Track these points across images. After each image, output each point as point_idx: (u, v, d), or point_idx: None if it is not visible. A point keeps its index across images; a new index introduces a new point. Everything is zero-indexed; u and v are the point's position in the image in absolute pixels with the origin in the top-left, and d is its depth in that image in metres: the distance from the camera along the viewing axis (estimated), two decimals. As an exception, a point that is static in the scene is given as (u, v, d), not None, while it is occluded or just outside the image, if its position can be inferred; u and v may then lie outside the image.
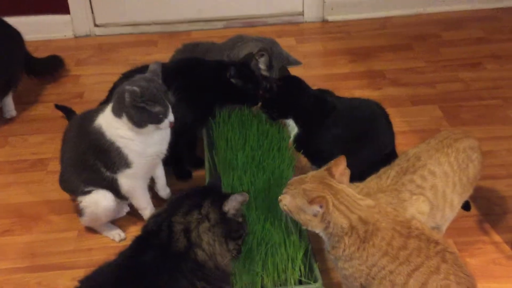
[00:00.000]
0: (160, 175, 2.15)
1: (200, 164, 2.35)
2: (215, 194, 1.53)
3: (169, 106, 1.85)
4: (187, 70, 2.22)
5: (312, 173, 1.58)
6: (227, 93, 2.19)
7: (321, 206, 1.48)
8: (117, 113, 1.86)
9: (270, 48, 2.41)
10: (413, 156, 1.78)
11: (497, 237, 2.04)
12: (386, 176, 1.74)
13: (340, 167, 1.55)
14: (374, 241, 1.47)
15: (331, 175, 1.54)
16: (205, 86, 2.19)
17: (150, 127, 1.85)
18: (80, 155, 1.97)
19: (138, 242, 1.48)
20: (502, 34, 3.41)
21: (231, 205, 1.48)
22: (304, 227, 1.57)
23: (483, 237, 2.04)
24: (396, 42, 3.40)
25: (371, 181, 1.75)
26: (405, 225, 1.49)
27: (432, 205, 1.72)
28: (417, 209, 1.69)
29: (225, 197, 1.49)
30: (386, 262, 1.45)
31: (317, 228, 1.53)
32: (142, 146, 1.90)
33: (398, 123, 2.61)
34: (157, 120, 1.84)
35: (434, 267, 1.42)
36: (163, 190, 2.17)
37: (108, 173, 1.94)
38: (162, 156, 2.02)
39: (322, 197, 1.48)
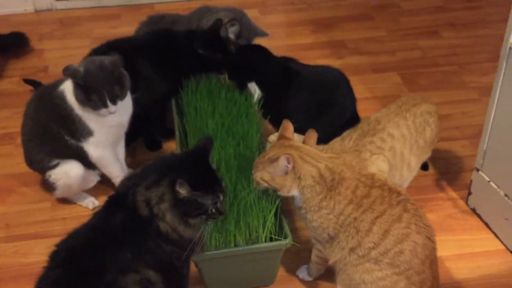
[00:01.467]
0: (120, 151, 2.15)
1: (170, 135, 2.40)
2: (177, 170, 1.48)
3: (108, 99, 1.84)
4: (157, 42, 2.25)
5: (271, 143, 1.67)
6: (197, 62, 2.23)
7: (288, 162, 1.56)
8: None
9: (240, 19, 2.44)
10: (374, 120, 1.89)
11: (453, 194, 2.17)
12: (349, 138, 1.85)
13: (289, 129, 1.64)
14: (340, 189, 1.56)
15: (286, 138, 1.63)
16: (175, 56, 2.22)
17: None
18: (43, 125, 1.98)
19: (110, 203, 1.52)
20: (458, 3, 3.52)
21: (181, 187, 1.43)
22: (281, 194, 1.64)
23: (441, 194, 2.17)
24: (357, 12, 3.49)
25: (335, 143, 1.85)
26: (369, 177, 1.59)
27: (390, 165, 1.83)
28: (377, 167, 1.80)
29: (181, 175, 1.43)
30: (351, 210, 1.54)
31: (293, 187, 1.60)
32: (98, 118, 1.92)
33: (360, 90, 2.70)
34: (93, 105, 1.85)
35: (396, 215, 1.52)
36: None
37: (73, 141, 1.96)
38: (125, 127, 2.04)
39: (287, 153, 1.57)
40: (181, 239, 1.49)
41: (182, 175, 1.43)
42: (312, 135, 1.70)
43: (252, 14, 3.41)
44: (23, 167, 2.15)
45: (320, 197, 1.57)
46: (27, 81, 2.73)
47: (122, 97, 1.89)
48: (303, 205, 1.62)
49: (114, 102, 1.86)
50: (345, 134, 1.89)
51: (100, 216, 1.51)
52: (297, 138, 1.77)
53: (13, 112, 2.66)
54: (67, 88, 1.91)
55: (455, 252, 1.94)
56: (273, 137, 1.90)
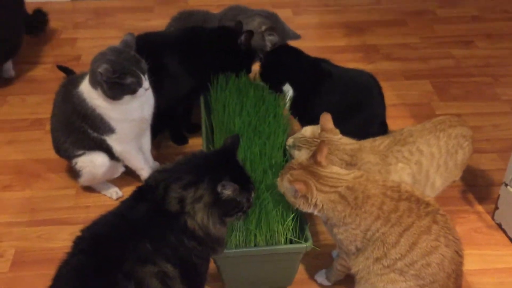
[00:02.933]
0: (145, 144, 2.16)
1: (196, 130, 2.41)
2: (215, 171, 1.51)
3: (142, 75, 1.87)
4: (186, 39, 2.25)
5: (299, 160, 1.66)
6: (225, 60, 2.22)
7: (296, 192, 1.58)
8: (93, 85, 1.90)
9: (276, 26, 2.43)
10: (407, 132, 1.87)
11: (479, 208, 2.14)
12: (380, 141, 1.84)
13: (323, 152, 1.63)
14: (365, 207, 1.54)
15: (317, 162, 1.62)
16: (203, 54, 2.21)
17: (127, 97, 1.89)
18: (68, 117, 2.01)
19: (137, 193, 1.54)
20: (495, 13, 3.47)
21: (225, 190, 1.47)
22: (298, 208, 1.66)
23: (466, 207, 2.14)
24: (391, 17, 3.45)
25: (366, 142, 1.85)
26: (395, 189, 1.57)
27: (414, 179, 1.81)
28: (401, 177, 1.78)
29: (221, 177, 1.47)
30: (379, 225, 1.53)
31: (305, 209, 1.62)
32: (121, 114, 1.94)
33: (390, 96, 2.68)
34: (131, 90, 1.87)
35: (425, 227, 1.50)
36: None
37: (96, 135, 1.99)
38: (147, 121, 2.06)
39: (303, 181, 1.57)
40: (207, 237, 1.50)
41: (222, 176, 1.48)
42: (327, 117, 1.80)
43: (285, 14, 3.42)
44: (51, 153, 2.18)
45: (343, 215, 1.56)
46: (61, 68, 2.75)
47: (146, 71, 1.90)
48: (327, 221, 1.63)
49: (145, 77, 1.89)
50: (378, 137, 1.88)
51: (127, 205, 1.53)
52: (316, 129, 1.84)
53: (45, 98, 2.69)
54: (85, 89, 1.93)
55: (479, 267, 1.91)
56: (291, 140, 1.89)
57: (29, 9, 3.08)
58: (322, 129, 1.84)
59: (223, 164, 1.56)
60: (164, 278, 1.41)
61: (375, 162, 1.79)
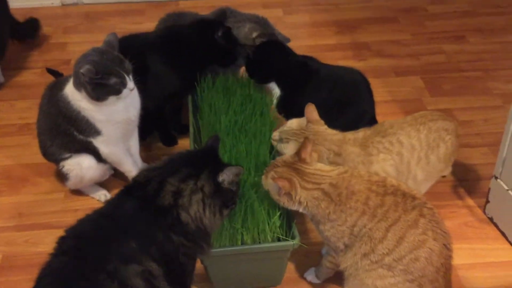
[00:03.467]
0: (133, 146, 2.14)
1: (185, 131, 2.39)
2: (212, 164, 1.55)
3: (126, 75, 1.86)
4: (167, 38, 2.24)
5: (284, 158, 1.65)
6: (210, 53, 2.21)
7: (279, 190, 1.58)
8: (77, 87, 1.88)
9: (267, 32, 2.41)
10: (388, 124, 1.87)
11: (470, 202, 2.12)
12: (362, 133, 1.84)
13: (307, 149, 1.61)
14: (350, 203, 1.53)
15: (301, 159, 1.61)
16: (189, 48, 2.20)
17: (111, 98, 1.87)
18: (54, 120, 2.00)
19: (124, 191, 1.54)
20: (487, 8, 3.45)
21: (226, 177, 1.52)
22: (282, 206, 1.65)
23: (457, 201, 2.12)
24: (382, 14, 3.44)
25: (349, 133, 1.85)
26: (381, 184, 1.55)
27: (398, 171, 1.80)
28: (382, 168, 1.77)
29: (221, 167, 1.53)
30: (366, 221, 1.51)
31: (289, 206, 1.62)
32: (106, 115, 1.93)
33: (381, 93, 2.67)
34: (115, 91, 1.86)
35: (412, 221, 1.48)
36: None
37: (81, 137, 1.98)
38: (134, 122, 2.04)
39: (286, 178, 1.56)
40: (198, 231, 1.50)
41: (222, 166, 1.53)
42: (311, 109, 1.81)
43: (276, 13, 3.42)
44: (39, 158, 2.17)
45: (327, 212, 1.55)
46: (50, 71, 2.73)
47: (131, 71, 1.89)
48: (312, 217, 1.62)
49: (129, 78, 1.87)
50: (360, 129, 1.88)
51: (112, 204, 1.53)
52: (302, 121, 1.84)
53: (33, 103, 2.63)
54: (70, 91, 1.92)
55: (469, 261, 1.89)
56: (277, 134, 1.87)
57: (20, 15, 3.07)
58: (308, 121, 1.83)
59: (214, 159, 1.59)
60: (149, 277, 1.40)
61: (358, 153, 1.78)
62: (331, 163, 1.78)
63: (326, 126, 1.84)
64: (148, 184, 1.50)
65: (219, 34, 2.17)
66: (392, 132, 1.81)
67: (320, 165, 1.62)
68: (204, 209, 1.50)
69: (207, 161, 1.56)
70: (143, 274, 1.38)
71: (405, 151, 1.79)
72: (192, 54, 2.19)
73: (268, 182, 1.62)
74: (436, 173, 1.88)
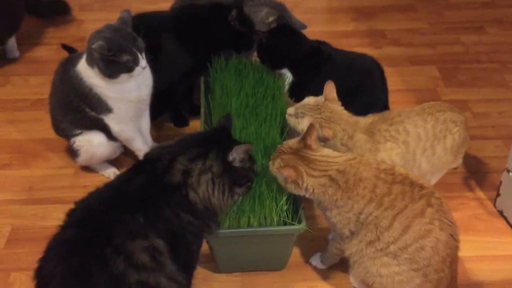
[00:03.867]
0: (144, 125, 2.14)
1: (197, 112, 2.38)
2: (222, 143, 1.56)
3: (138, 53, 1.85)
4: (182, 18, 2.23)
5: (290, 144, 1.63)
6: (225, 36, 2.20)
7: (286, 179, 1.57)
8: (89, 63, 1.88)
9: (283, 16, 2.40)
10: (396, 112, 1.86)
11: (481, 194, 2.10)
12: (371, 119, 1.84)
13: (313, 136, 1.60)
14: (357, 190, 1.52)
15: (306, 146, 1.59)
16: (203, 30, 2.19)
17: (123, 76, 1.87)
18: (66, 97, 2.00)
19: (135, 167, 1.55)
20: (507, 0, 3.38)
21: (236, 155, 1.53)
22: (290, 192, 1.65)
23: (468, 193, 2.10)
24: (400, 2, 3.39)
25: (361, 119, 1.84)
26: (389, 172, 1.54)
27: (404, 159, 1.78)
28: (389, 156, 1.77)
29: (231, 145, 1.53)
30: (372, 208, 1.50)
31: (299, 192, 1.60)
32: (118, 93, 1.92)
33: (395, 81, 2.64)
34: (127, 68, 1.85)
35: (418, 210, 1.47)
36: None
37: (93, 114, 1.97)
38: (145, 101, 2.03)
39: (292, 167, 1.55)
40: (206, 210, 1.51)
41: (231, 145, 1.53)
42: (331, 86, 1.81)
43: (293, -2, 3.39)
44: (51, 133, 2.18)
45: (334, 198, 1.54)
46: (65, 47, 2.73)
47: (143, 49, 1.88)
48: (319, 204, 1.61)
49: (142, 56, 1.87)
50: (369, 115, 1.87)
51: (122, 178, 1.54)
52: (319, 99, 1.83)
53: (48, 79, 2.60)
54: (83, 67, 1.91)
55: (477, 253, 1.87)
56: (292, 109, 1.84)
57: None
58: (326, 98, 1.81)
59: (225, 138, 1.60)
60: (154, 253, 1.40)
61: (366, 140, 1.77)
62: (343, 145, 1.77)
63: (343, 108, 1.83)
64: (158, 161, 1.51)
65: (233, 14, 2.16)
66: (400, 121, 1.80)
67: (327, 151, 1.61)
68: (213, 189, 1.51)
69: (217, 141, 1.57)
70: (149, 250, 1.39)
71: (411, 140, 1.78)
72: (206, 36, 2.18)
73: (275, 171, 1.61)
74: (444, 164, 1.86)
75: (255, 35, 2.21)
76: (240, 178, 1.56)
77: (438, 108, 1.86)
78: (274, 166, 1.61)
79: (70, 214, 1.45)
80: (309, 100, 1.85)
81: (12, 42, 2.84)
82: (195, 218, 1.50)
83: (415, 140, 1.78)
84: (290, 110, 1.84)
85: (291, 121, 1.83)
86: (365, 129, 1.79)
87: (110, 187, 1.52)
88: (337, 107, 1.81)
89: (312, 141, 1.59)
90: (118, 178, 1.57)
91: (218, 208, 1.54)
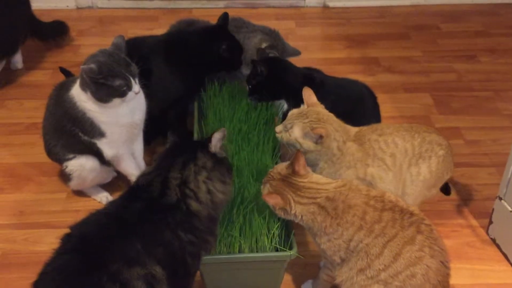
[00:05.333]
0: (137, 150, 2.14)
1: (190, 137, 2.39)
2: (198, 142, 1.62)
3: (131, 78, 1.86)
4: (172, 43, 2.25)
5: (279, 169, 1.62)
6: (213, 62, 2.22)
7: (274, 206, 1.57)
8: (82, 87, 1.89)
9: (277, 44, 2.42)
10: (385, 125, 1.89)
11: (474, 222, 2.09)
12: (359, 129, 1.85)
13: (300, 162, 1.59)
14: (347, 217, 1.51)
15: (295, 172, 1.59)
16: (191, 56, 2.20)
17: (116, 101, 1.88)
18: (59, 121, 2.00)
19: (128, 193, 1.55)
20: (500, 29, 3.44)
21: (216, 143, 1.58)
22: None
23: (460, 221, 2.10)
24: (394, 31, 3.44)
25: (353, 128, 1.85)
26: (379, 199, 1.54)
27: (393, 172, 1.78)
28: (378, 173, 1.78)
29: (207, 139, 1.60)
30: (362, 236, 1.50)
31: (288, 217, 1.60)
32: (111, 117, 1.93)
33: (389, 108, 2.66)
34: (120, 93, 1.86)
35: (408, 237, 1.47)
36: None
37: (86, 138, 1.98)
38: (139, 126, 2.04)
39: (282, 195, 1.55)
40: (207, 218, 1.52)
41: (207, 140, 1.58)
42: (309, 92, 1.82)
43: (288, 25, 3.44)
44: (44, 157, 2.18)
45: (323, 225, 1.54)
46: (63, 71, 2.75)
47: (137, 75, 1.90)
48: (309, 229, 1.60)
49: (135, 81, 1.88)
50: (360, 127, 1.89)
51: (118, 204, 1.54)
52: (301, 108, 1.83)
53: (42, 103, 2.61)
54: (76, 92, 1.92)
55: (469, 281, 1.87)
56: (280, 127, 1.82)
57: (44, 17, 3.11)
58: (308, 104, 1.81)
59: (196, 140, 1.69)
60: (151, 280, 1.39)
61: (357, 148, 1.78)
62: (339, 150, 1.77)
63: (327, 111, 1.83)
64: (151, 186, 1.51)
65: (224, 47, 2.18)
66: (389, 133, 1.81)
67: (316, 177, 1.60)
68: (213, 184, 1.54)
69: (193, 143, 1.65)
70: (146, 278, 1.38)
71: (398, 152, 1.79)
72: (194, 61, 2.20)
73: (264, 191, 1.61)
74: (425, 188, 1.85)
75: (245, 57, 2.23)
76: (226, 168, 1.60)
77: (425, 129, 1.87)
78: (263, 192, 1.61)
79: (66, 239, 1.44)
80: (293, 111, 1.84)
81: (18, 54, 2.93)
82: (195, 236, 1.50)
83: (403, 153, 1.79)
84: (278, 128, 1.82)
85: (283, 136, 1.80)
86: (355, 137, 1.81)
87: (106, 214, 1.51)
88: (322, 110, 1.81)
89: (300, 167, 1.59)
90: (113, 204, 1.56)
91: (224, 200, 1.57)
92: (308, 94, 1.83)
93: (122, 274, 1.35)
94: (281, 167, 1.63)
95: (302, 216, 1.56)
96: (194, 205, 1.51)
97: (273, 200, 1.55)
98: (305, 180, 1.58)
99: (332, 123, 1.78)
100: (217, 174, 1.56)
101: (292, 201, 1.56)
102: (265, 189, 1.60)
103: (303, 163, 1.59)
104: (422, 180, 1.80)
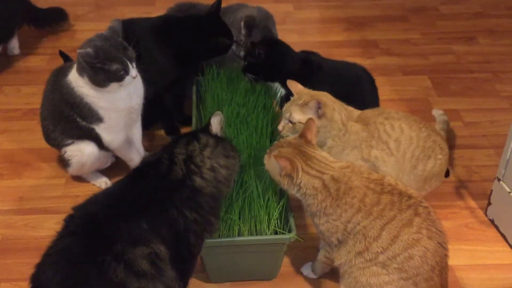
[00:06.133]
0: (135, 135, 2.14)
1: (188, 121, 2.38)
2: (200, 130, 1.67)
3: (129, 63, 1.85)
4: (165, 26, 2.23)
5: (289, 139, 1.63)
6: (203, 47, 2.20)
7: (281, 169, 1.55)
8: (79, 72, 1.88)
9: (258, 19, 2.40)
10: (394, 110, 1.88)
11: (472, 203, 2.10)
12: (372, 110, 1.86)
13: (312, 130, 1.59)
14: (346, 199, 1.52)
15: (306, 141, 1.59)
16: (183, 41, 2.19)
17: (113, 85, 1.87)
18: (57, 106, 2.00)
19: (135, 172, 1.56)
20: (498, 10, 3.41)
21: (215, 125, 1.64)
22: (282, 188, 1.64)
23: (459, 202, 2.10)
24: (393, 13, 3.42)
25: (357, 111, 1.86)
26: (378, 182, 1.54)
27: (396, 158, 1.78)
28: (381, 156, 1.77)
29: (206, 126, 1.65)
30: (360, 218, 1.50)
31: (289, 189, 1.60)
32: (109, 102, 1.92)
33: (387, 91, 2.65)
34: (117, 77, 1.85)
35: (406, 220, 1.47)
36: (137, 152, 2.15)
37: (84, 123, 1.97)
38: (136, 111, 2.03)
39: (290, 160, 1.54)
40: (211, 197, 1.53)
41: (207, 125, 1.65)
42: (293, 83, 1.83)
43: (286, 8, 3.42)
44: (42, 143, 2.18)
45: (323, 205, 1.54)
46: (62, 54, 2.73)
47: (134, 59, 1.89)
48: (308, 209, 1.60)
49: (132, 65, 1.87)
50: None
51: (122, 184, 1.54)
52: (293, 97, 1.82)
53: (40, 89, 2.61)
54: (73, 77, 1.91)
55: (468, 262, 1.88)
56: (281, 125, 1.82)
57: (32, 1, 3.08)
58: (296, 93, 1.82)
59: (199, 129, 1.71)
60: (155, 259, 1.40)
61: (361, 127, 1.79)
62: (343, 125, 1.77)
63: None
64: (160, 163, 1.53)
65: (220, 45, 2.19)
66: (397, 118, 1.81)
67: (325, 154, 1.60)
68: (217, 159, 1.56)
69: (194, 130, 1.72)
70: (150, 256, 1.39)
71: (403, 139, 1.78)
72: (184, 46, 2.18)
73: (271, 161, 1.59)
74: (414, 181, 1.85)
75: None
76: (227, 146, 1.62)
77: (433, 128, 1.89)
78: (271, 157, 1.59)
79: (69, 221, 1.44)
80: (286, 105, 1.84)
81: (15, 40, 2.92)
82: (199, 215, 1.50)
83: (407, 140, 1.79)
84: (280, 126, 1.82)
85: (288, 128, 1.79)
86: (358, 118, 1.80)
87: (110, 194, 1.52)
88: (313, 91, 1.82)
89: (312, 135, 1.59)
90: (117, 185, 1.57)
91: (225, 181, 1.57)
92: (294, 85, 1.84)
93: (126, 253, 1.35)
94: (291, 138, 1.63)
95: (305, 190, 1.56)
96: (198, 181, 1.52)
97: (282, 163, 1.53)
98: (316, 152, 1.58)
99: (326, 96, 1.78)
100: (220, 149, 1.59)
101: (300, 169, 1.55)
102: (272, 155, 1.58)
103: (315, 132, 1.59)
104: (414, 177, 1.82)
